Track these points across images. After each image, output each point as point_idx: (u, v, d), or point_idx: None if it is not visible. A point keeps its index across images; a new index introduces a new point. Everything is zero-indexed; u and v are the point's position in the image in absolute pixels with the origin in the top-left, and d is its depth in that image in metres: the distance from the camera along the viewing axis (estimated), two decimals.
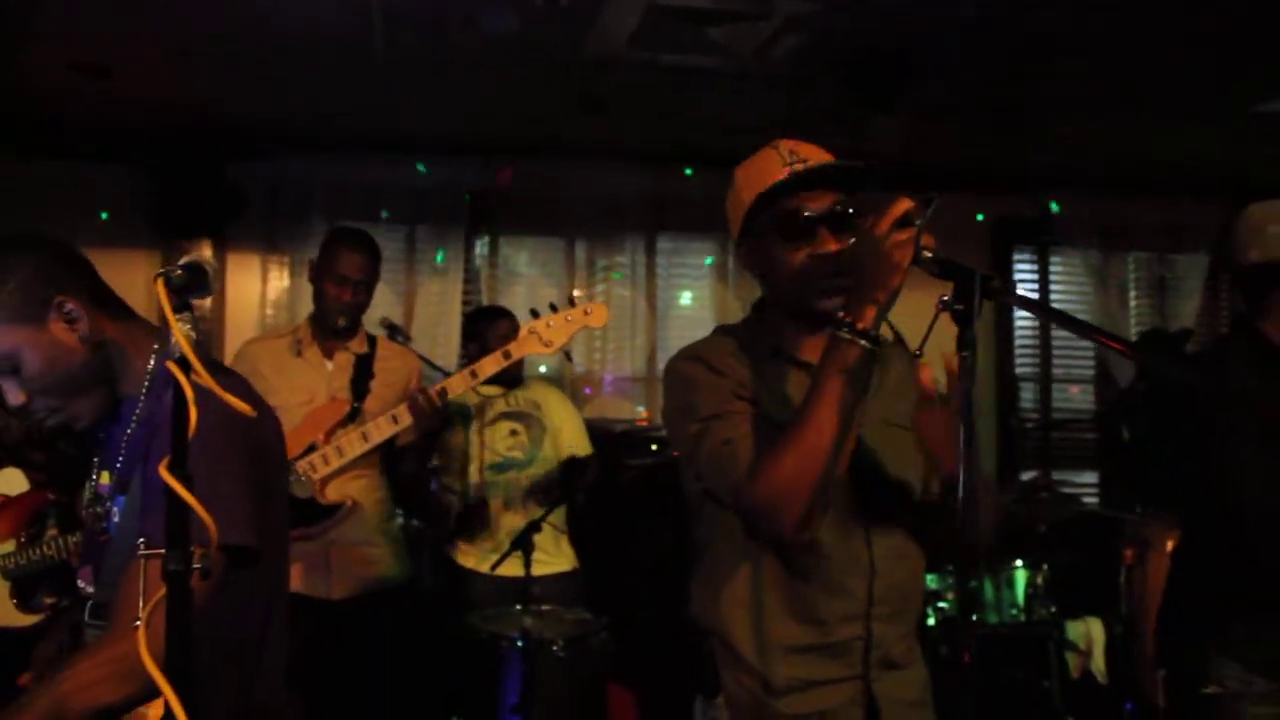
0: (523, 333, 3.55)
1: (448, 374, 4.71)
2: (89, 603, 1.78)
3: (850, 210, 1.95)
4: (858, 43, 4.28)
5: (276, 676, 1.90)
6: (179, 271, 1.38)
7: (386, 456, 3.74)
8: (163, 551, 1.23)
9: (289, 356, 3.74)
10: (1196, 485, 2.63)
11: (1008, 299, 1.67)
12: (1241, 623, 2.53)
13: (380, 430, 3.50)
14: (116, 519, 1.76)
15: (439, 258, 5.90)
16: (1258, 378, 2.58)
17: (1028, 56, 4.37)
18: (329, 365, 3.75)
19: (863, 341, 1.74)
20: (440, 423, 3.68)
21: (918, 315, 1.75)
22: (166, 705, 1.60)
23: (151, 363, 1.84)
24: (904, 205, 1.72)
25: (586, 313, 3.52)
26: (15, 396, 1.79)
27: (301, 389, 3.64)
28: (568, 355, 3.82)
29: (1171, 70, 4.56)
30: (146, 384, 1.84)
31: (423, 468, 4.06)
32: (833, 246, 1.94)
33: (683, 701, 2.41)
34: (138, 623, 1.23)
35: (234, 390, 1.33)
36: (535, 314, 3.54)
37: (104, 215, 5.55)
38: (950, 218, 1.72)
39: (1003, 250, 6.64)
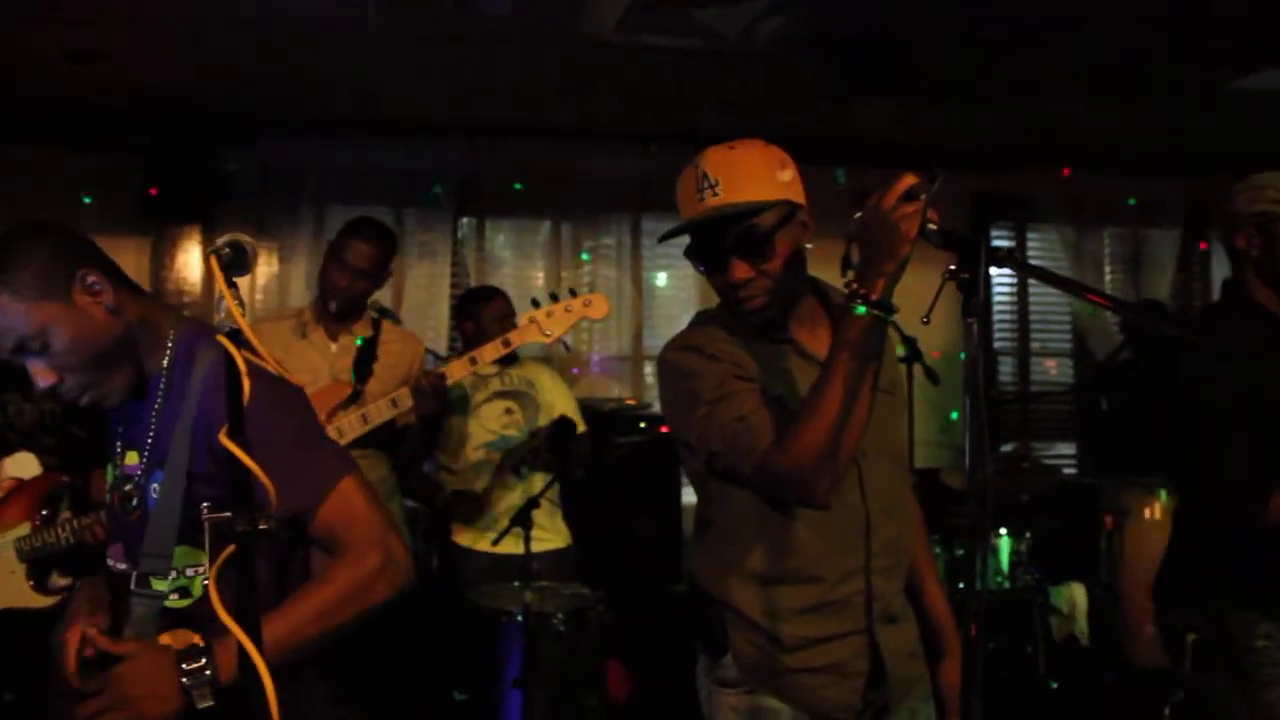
0: (523, 321, 3.59)
1: (441, 358, 4.77)
2: (134, 574, 1.82)
3: (756, 239, 2.03)
4: (843, 25, 4.34)
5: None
6: (227, 249, 1.43)
7: (389, 437, 3.79)
8: (226, 515, 1.29)
9: (294, 338, 3.80)
10: (1192, 451, 2.62)
11: (1013, 266, 1.75)
12: (1262, 581, 2.54)
13: (379, 413, 3.54)
14: (155, 495, 1.81)
15: (434, 189, 5.91)
16: (1256, 341, 2.61)
17: (1008, 37, 4.44)
18: (333, 347, 3.82)
19: (876, 311, 1.83)
20: (440, 408, 3.72)
21: (915, 288, 1.84)
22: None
23: (170, 340, 1.88)
24: (909, 180, 1.81)
25: (587, 304, 3.57)
26: (45, 377, 1.80)
27: (305, 370, 3.68)
28: (565, 345, 3.87)
29: (1145, 48, 4.65)
30: (167, 359, 1.88)
31: (422, 452, 4.11)
32: (741, 275, 2.05)
33: (676, 673, 2.48)
34: (206, 581, 1.29)
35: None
36: (536, 303, 3.59)
37: (87, 200, 5.54)
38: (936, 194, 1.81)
39: (981, 226, 6.74)
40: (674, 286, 6.17)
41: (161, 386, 1.87)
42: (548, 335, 3.55)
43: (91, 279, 1.81)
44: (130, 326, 1.86)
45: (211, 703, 1.63)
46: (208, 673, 1.63)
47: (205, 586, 1.29)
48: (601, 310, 3.61)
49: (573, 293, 3.60)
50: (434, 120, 5.69)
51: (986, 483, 1.64)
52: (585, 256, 6.11)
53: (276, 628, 1.63)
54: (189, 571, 1.80)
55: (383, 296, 5.47)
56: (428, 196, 5.94)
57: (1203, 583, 2.66)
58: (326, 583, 1.76)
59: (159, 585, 1.78)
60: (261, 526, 1.32)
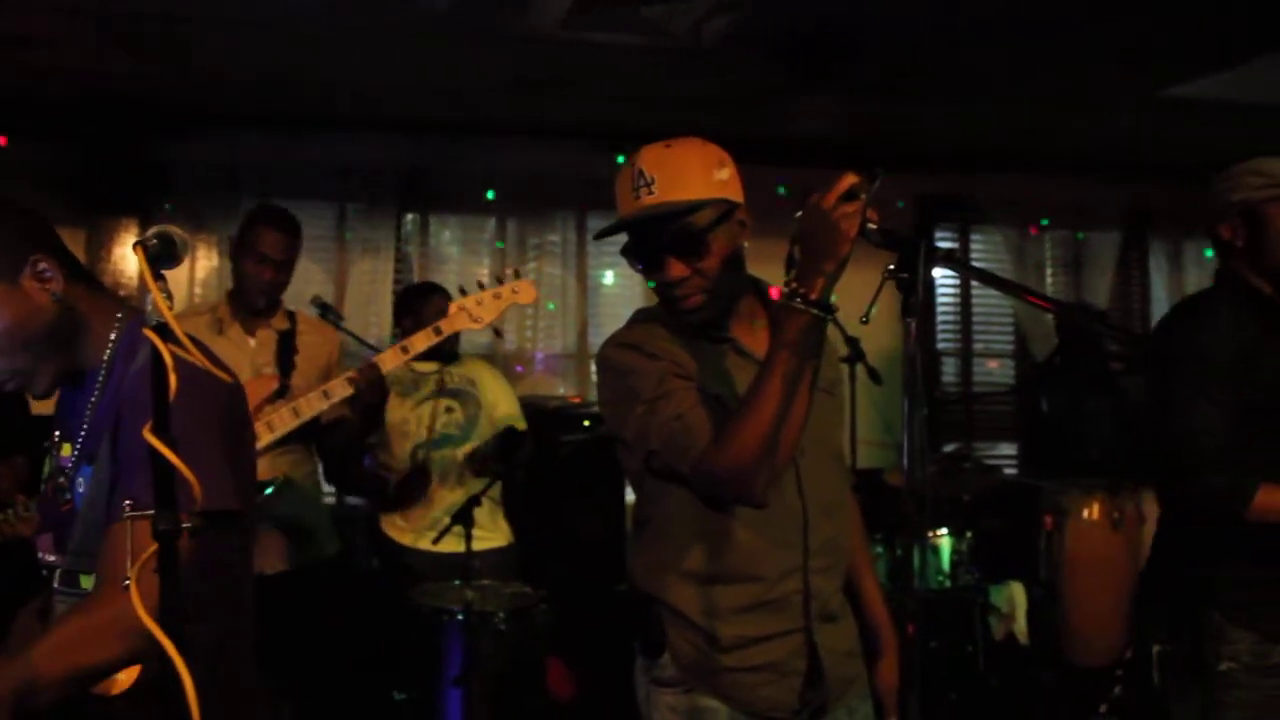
0: (452, 309, 3.55)
1: (378, 351, 4.72)
2: (57, 570, 1.78)
3: (691, 238, 2.03)
4: (787, 23, 4.35)
5: (247, 646, 1.92)
6: (154, 240, 1.40)
7: (315, 432, 3.74)
8: (150, 513, 1.26)
9: (211, 335, 3.69)
10: (1176, 433, 2.53)
11: (952, 267, 1.75)
12: (1247, 586, 2.47)
13: (311, 405, 3.45)
14: (82, 489, 1.77)
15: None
16: (1255, 328, 2.55)
17: (951, 37, 4.47)
18: (252, 342, 3.75)
19: (815, 310, 1.83)
20: (382, 398, 3.68)
21: (857, 288, 1.84)
22: (141, 671, 1.64)
23: (114, 333, 1.85)
24: (850, 180, 1.81)
25: (515, 290, 3.55)
26: None
27: None
28: (497, 331, 3.83)
29: (1084, 53, 4.70)
30: (109, 353, 1.85)
31: (359, 443, 4.06)
32: (676, 273, 2.05)
33: (620, 672, 2.47)
34: (127, 583, 1.25)
35: (211, 361, 1.36)
36: (464, 291, 3.56)
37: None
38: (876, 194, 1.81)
39: (925, 227, 6.79)
40: (620, 285, 6.16)
41: (100, 379, 1.83)
42: (478, 322, 3.52)
43: (43, 265, 1.79)
44: (72, 317, 1.83)
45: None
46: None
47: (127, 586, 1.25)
48: (530, 296, 3.58)
49: (499, 280, 3.57)
50: (378, 115, 5.64)
51: (925, 482, 1.64)
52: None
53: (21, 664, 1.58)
54: None
55: (324, 292, 5.42)
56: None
57: (1181, 586, 2.60)
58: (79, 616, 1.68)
59: (86, 583, 1.74)
60: (185, 525, 1.28)
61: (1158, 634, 2.66)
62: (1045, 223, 6.91)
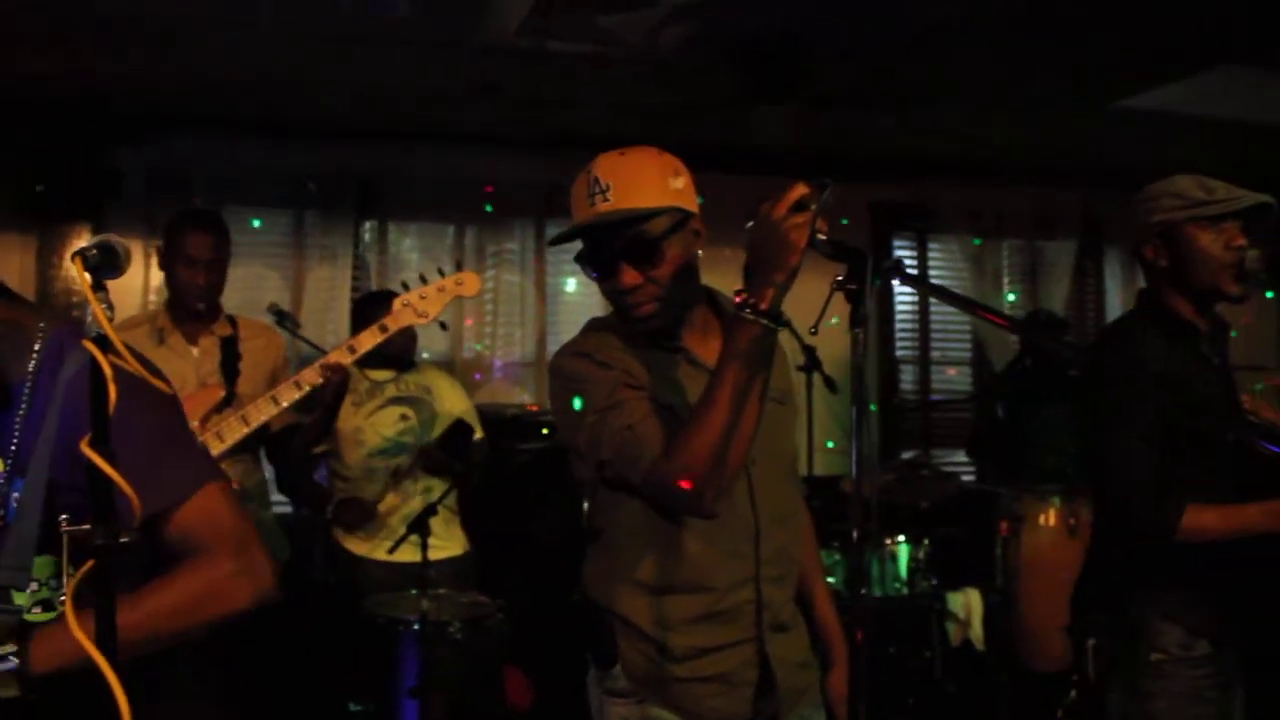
0: (397, 306, 3.49)
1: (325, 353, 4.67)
2: None
3: (644, 245, 2.04)
4: (745, 31, 4.36)
5: (188, 660, 1.90)
6: (94, 251, 1.38)
7: (264, 440, 3.69)
8: (86, 528, 1.24)
9: (151, 345, 3.62)
10: (1105, 462, 2.62)
11: (900, 278, 1.76)
12: (1181, 587, 2.55)
13: (261, 412, 3.38)
14: (15, 504, 1.73)
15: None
16: (1173, 352, 2.62)
17: (908, 47, 4.50)
18: (195, 351, 3.68)
19: (765, 321, 1.83)
20: (341, 396, 3.63)
21: (812, 298, 1.85)
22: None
23: (38, 344, 1.81)
24: (799, 190, 1.81)
25: (459, 282, 3.51)
26: None
27: (171, 377, 3.48)
28: (443, 325, 3.77)
29: (1040, 64, 4.75)
30: (33, 364, 1.81)
31: (314, 449, 4.01)
32: (629, 281, 2.06)
33: (579, 681, 2.47)
34: (63, 597, 1.23)
35: (145, 369, 1.34)
36: (406, 286, 3.52)
37: None
38: (831, 204, 1.81)
39: (882, 237, 6.83)
40: (581, 293, 6.14)
41: (27, 391, 1.79)
42: (423, 316, 3.48)
43: None
44: None
45: (15, 692, 1.57)
46: (13, 660, 1.56)
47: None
48: (474, 287, 3.54)
49: (441, 273, 3.54)
50: (335, 122, 5.60)
51: (872, 491, 1.64)
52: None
53: (122, 619, 1.57)
54: (53, 583, 1.73)
55: (281, 298, 5.38)
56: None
57: (1116, 586, 2.67)
58: (182, 579, 1.68)
59: (19, 599, 1.71)
60: (123, 540, 1.26)
61: (1094, 630, 2.72)
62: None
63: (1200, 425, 2.59)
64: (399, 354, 4.31)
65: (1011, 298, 7.03)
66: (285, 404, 3.40)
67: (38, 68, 4.70)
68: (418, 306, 3.47)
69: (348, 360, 3.47)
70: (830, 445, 5.58)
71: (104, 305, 1.34)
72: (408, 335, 4.33)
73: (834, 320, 1.77)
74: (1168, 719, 2.54)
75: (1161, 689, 2.54)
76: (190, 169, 5.63)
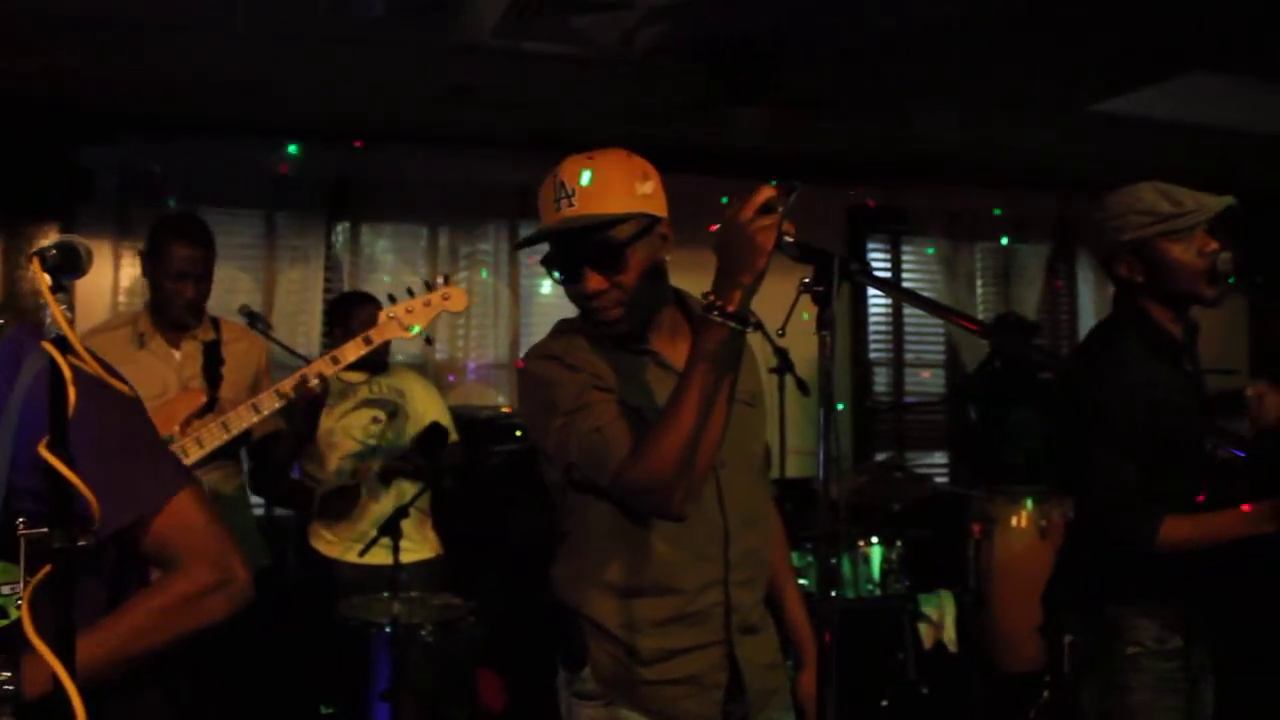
0: (382, 318, 3.47)
1: (308, 361, 4.65)
2: None
3: (608, 251, 2.04)
4: (720, 34, 4.37)
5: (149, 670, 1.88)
6: (54, 250, 1.36)
7: (246, 445, 3.67)
8: (44, 531, 1.23)
9: (132, 349, 3.57)
10: (1089, 474, 2.63)
11: (866, 281, 1.77)
12: (1155, 586, 2.58)
13: (241, 420, 3.34)
14: None
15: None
16: (1155, 363, 2.63)
17: (882, 50, 4.52)
18: (177, 355, 3.62)
19: (732, 324, 1.83)
20: (317, 408, 3.61)
21: (779, 299, 1.85)
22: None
23: None
24: (766, 193, 1.81)
25: (445, 297, 3.49)
26: None
27: (152, 382, 3.46)
28: (429, 340, 3.77)
29: (1014, 67, 4.77)
30: None
31: (294, 455, 3.98)
32: (594, 286, 2.06)
33: (551, 683, 2.46)
34: (19, 602, 1.22)
35: (105, 371, 1.33)
36: (393, 299, 3.51)
37: None
38: (804, 206, 1.82)
39: (856, 239, 6.85)
40: (555, 294, 6.11)
41: None
42: (407, 330, 3.46)
43: None
44: None
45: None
46: (8, 688, 1.54)
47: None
48: (461, 303, 3.52)
49: (429, 286, 3.52)
50: (307, 122, 5.58)
51: (840, 492, 1.65)
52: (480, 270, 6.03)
53: (98, 641, 1.55)
54: (5, 589, 1.71)
55: (253, 300, 5.34)
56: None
57: (1091, 586, 2.69)
58: (157, 595, 1.68)
59: None
60: (81, 543, 1.25)
61: (1068, 627, 2.75)
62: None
63: (1179, 436, 2.63)
64: (372, 356, 4.28)
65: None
66: (266, 412, 3.36)
67: (7, 66, 4.66)
68: (403, 320, 3.44)
69: (331, 371, 3.43)
70: (814, 444, 5.58)
71: (63, 306, 1.32)
72: None
73: (805, 316, 1.78)
74: (1144, 711, 2.57)
75: (1138, 681, 2.58)
76: (164, 170, 5.58)
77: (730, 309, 1.82)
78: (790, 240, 1.80)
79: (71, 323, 1.33)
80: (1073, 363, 2.85)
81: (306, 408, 3.46)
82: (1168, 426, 2.59)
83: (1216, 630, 2.71)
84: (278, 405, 3.37)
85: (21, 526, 1.27)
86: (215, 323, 3.77)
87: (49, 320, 1.32)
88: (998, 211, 6.94)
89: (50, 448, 1.25)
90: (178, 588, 1.67)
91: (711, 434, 1.90)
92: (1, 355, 1.74)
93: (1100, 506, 2.63)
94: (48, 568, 1.24)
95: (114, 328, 3.72)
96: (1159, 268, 2.65)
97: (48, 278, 1.35)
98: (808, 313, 1.75)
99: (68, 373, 1.30)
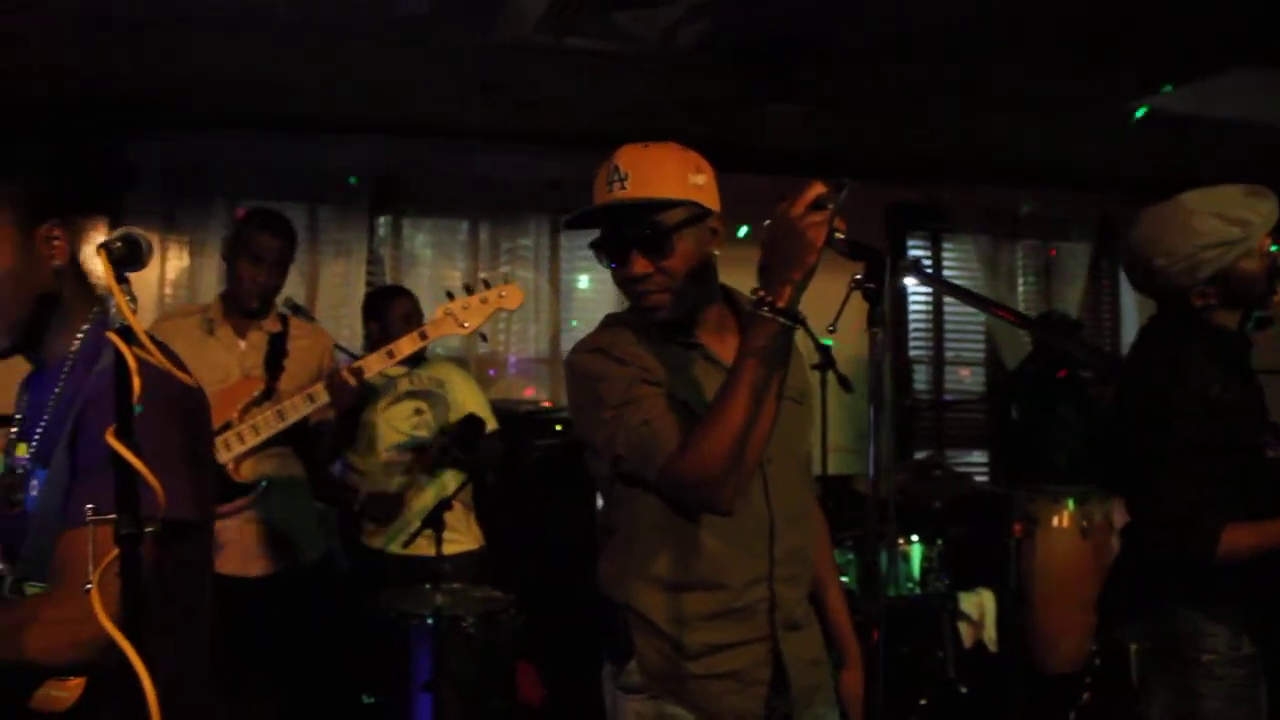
0: (439, 314, 3.56)
1: (355, 355, 4.69)
2: (6, 579, 1.76)
3: (655, 234, 2.05)
4: (760, 31, 4.36)
5: (204, 660, 1.90)
6: (118, 244, 1.39)
7: (301, 436, 3.73)
8: (112, 517, 1.25)
9: (201, 335, 3.71)
10: (1145, 477, 2.61)
11: (919, 278, 1.76)
12: (1221, 589, 2.55)
13: (296, 409, 3.49)
14: (35, 493, 1.75)
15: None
16: (1220, 370, 2.59)
17: (924, 47, 4.50)
18: (242, 344, 3.74)
19: (781, 319, 1.83)
20: (359, 402, 3.68)
21: (827, 296, 1.85)
22: (87, 685, 1.63)
23: (85, 328, 1.83)
24: (817, 189, 1.81)
25: (502, 295, 3.55)
26: None
27: (215, 368, 3.61)
28: (483, 337, 3.82)
29: (1056, 64, 4.73)
30: (75, 347, 1.83)
31: (339, 448, 4.06)
32: (639, 269, 2.07)
33: (589, 676, 2.47)
34: (88, 587, 1.24)
35: (170, 362, 1.35)
36: (450, 295, 3.56)
37: None
38: (848, 203, 1.82)
39: (897, 236, 6.83)
40: (594, 289, 6.17)
41: (63, 375, 1.81)
42: (465, 327, 3.52)
43: (57, 234, 1.81)
44: (59, 296, 1.83)
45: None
46: None
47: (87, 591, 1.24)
48: (516, 300, 3.58)
49: (486, 284, 3.57)
50: (351, 117, 5.62)
51: (890, 491, 1.65)
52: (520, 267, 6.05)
53: None
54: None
55: (296, 293, 5.40)
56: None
57: (1154, 591, 2.65)
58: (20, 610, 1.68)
59: (33, 589, 1.72)
60: (148, 530, 1.27)
61: (1131, 634, 2.72)
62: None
63: (1241, 441, 2.59)
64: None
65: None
66: (320, 403, 3.49)
67: (56, 62, 4.72)
68: (459, 316, 3.51)
69: (388, 364, 3.56)
70: (855, 442, 5.59)
71: (127, 297, 1.34)
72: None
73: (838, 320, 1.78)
74: (1219, 719, 2.54)
75: (1212, 689, 2.54)
76: (207, 163, 5.66)
77: (780, 304, 1.83)
78: (841, 237, 1.80)
79: (135, 312, 1.35)
80: (1130, 366, 2.81)
81: (348, 400, 3.52)
82: (1230, 433, 2.55)
83: (1270, 633, 2.66)
84: (328, 398, 3.46)
85: (90, 513, 1.29)
86: (284, 319, 3.89)
87: (113, 310, 1.35)
88: (1027, 207, 6.88)
89: (116, 435, 1.27)
90: (45, 610, 1.64)
91: (761, 429, 1.90)
92: (86, 341, 1.79)
93: (1161, 517, 2.59)
94: (114, 553, 1.26)
95: (186, 314, 3.86)
96: (1235, 286, 2.63)
97: (112, 269, 1.37)
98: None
99: (132, 362, 1.32)
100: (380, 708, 3.98)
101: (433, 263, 6.11)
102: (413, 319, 4.33)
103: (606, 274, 2.16)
